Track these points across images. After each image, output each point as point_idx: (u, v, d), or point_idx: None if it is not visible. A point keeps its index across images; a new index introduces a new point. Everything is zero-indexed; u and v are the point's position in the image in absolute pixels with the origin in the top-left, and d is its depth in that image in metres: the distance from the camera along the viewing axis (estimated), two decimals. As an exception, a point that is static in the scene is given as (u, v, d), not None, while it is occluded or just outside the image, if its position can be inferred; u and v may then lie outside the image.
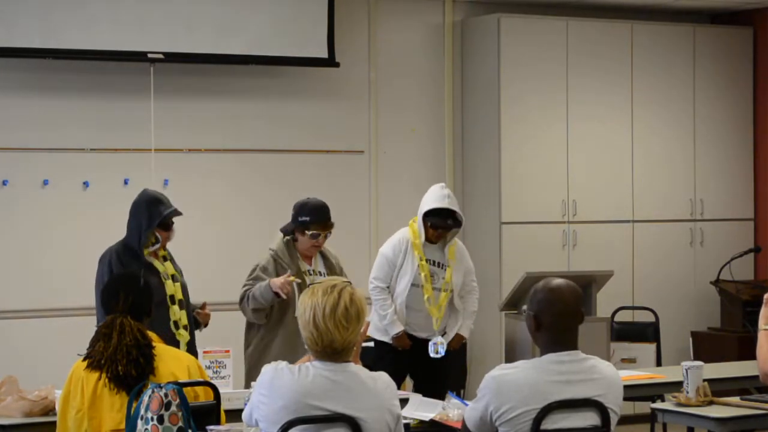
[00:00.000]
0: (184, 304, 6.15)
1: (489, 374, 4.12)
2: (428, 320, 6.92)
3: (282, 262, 6.32)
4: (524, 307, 5.08)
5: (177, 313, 6.08)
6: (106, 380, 4.74)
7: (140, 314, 4.93)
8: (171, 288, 6.09)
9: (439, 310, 6.91)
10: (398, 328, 6.84)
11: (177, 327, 6.06)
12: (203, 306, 6.31)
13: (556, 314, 4.10)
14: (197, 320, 6.32)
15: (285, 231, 6.46)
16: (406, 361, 6.91)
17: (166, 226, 6.13)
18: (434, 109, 9.30)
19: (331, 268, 6.48)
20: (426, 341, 6.92)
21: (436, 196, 6.90)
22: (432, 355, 6.89)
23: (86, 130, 8.21)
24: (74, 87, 8.17)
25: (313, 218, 6.34)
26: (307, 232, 6.33)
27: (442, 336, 6.96)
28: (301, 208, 6.39)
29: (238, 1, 8.34)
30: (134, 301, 4.89)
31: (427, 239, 6.93)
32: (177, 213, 6.14)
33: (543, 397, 4.04)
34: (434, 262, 6.98)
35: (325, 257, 6.51)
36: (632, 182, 9.53)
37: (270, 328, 6.37)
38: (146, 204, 6.10)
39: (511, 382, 4.07)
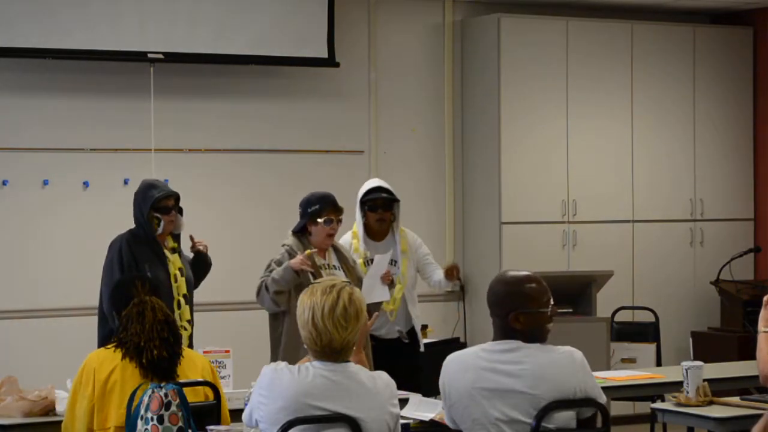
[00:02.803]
0: (189, 298, 6.23)
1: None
2: (383, 317, 6.85)
3: (296, 255, 6.31)
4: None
5: (182, 307, 6.20)
6: (140, 369, 4.70)
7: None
8: (177, 280, 6.24)
9: (393, 301, 6.87)
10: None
11: (180, 320, 6.12)
12: (192, 240, 6.47)
13: (489, 305, 4.18)
14: (199, 256, 6.50)
15: (295, 231, 6.45)
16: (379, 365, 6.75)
17: (163, 209, 6.24)
18: (434, 109, 9.30)
19: (345, 261, 6.46)
20: (386, 340, 6.90)
21: (369, 182, 6.92)
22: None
23: (86, 130, 8.22)
24: (74, 87, 8.17)
25: (322, 205, 6.35)
26: (319, 220, 6.32)
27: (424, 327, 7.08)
28: (308, 201, 6.41)
29: (238, 1, 8.34)
30: (151, 288, 4.93)
31: (371, 234, 6.90)
32: (169, 194, 6.26)
33: (473, 384, 4.09)
34: None
35: (338, 251, 6.50)
36: (632, 182, 9.53)
37: (293, 321, 6.31)
38: (141, 191, 6.30)
39: (450, 372, 4.18)
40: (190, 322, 6.25)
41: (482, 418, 4.07)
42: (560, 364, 4.08)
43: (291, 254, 6.31)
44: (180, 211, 6.37)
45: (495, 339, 4.16)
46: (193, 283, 6.43)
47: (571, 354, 4.12)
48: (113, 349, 4.79)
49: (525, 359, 4.08)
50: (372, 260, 6.83)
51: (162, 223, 6.23)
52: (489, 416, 4.06)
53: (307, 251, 6.20)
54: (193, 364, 4.90)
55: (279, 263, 6.30)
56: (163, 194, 6.24)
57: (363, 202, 6.86)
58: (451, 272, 6.93)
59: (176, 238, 6.38)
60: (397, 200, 6.90)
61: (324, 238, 6.37)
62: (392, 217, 6.93)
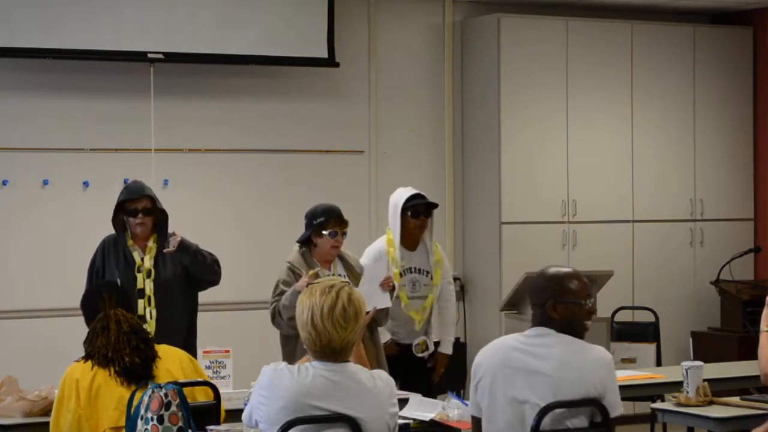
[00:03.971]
0: (153, 301, 6.19)
1: None
2: (411, 326, 6.92)
3: (299, 272, 6.29)
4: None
5: (142, 307, 6.13)
6: (115, 375, 4.74)
7: (127, 310, 4.97)
8: (141, 282, 6.17)
9: (423, 311, 6.91)
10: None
11: (144, 321, 6.09)
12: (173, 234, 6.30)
13: (529, 295, 4.35)
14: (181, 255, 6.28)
15: (301, 242, 6.45)
16: (397, 369, 6.77)
17: (131, 212, 6.19)
18: (434, 109, 9.30)
19: (351, 270, 6.46)
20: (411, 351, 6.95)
21: (404, 190, 6.96)
22: (418, 354, 6.92)
23: (86, 130, 8.22)
24: (74, 87, 8.17)
25: (327, 217, 6.34)
26: (324, 232, 6.32)
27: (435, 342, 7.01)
28: (313, 213, 6.39)
29: (238, 2, 8.34)
30: (119, 299, 4.93)
31: (407, 241, 6.92)
32: (134, 197, 6.18)
33: (502, 362, 4.22)
34: (414, 269, 6.97)
35: (344, 260, 6.49)
36: (632, 182, 9.53)
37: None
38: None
39: (484, 353, 4.31)
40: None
41: (500, 397, 4.18)
42: (588, 356, 4.22)
43: (293, 270, 6.29)
44: (159, 213, 6.25)
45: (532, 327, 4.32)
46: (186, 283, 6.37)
47: (602, 352, 4.27)
48: (83, 361, 4.84)
49: (555, 344, 4.22)
50: (410, 269, 6.91)
51: (129, 227, 6.20)
52: (506, 394, 4.17)
53: (311, 271, 6.18)
54: (171, 360, 4.92)
55: (285, 283, 6.28)
56: (123, 197, 6.19)
57: (405, 208, 6.88)
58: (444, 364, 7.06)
59: (162, 240, 6.26)
60: (437, 204, 7.01)
61: (328, 250, 6.37)
62: (429, 223, 7.00)
